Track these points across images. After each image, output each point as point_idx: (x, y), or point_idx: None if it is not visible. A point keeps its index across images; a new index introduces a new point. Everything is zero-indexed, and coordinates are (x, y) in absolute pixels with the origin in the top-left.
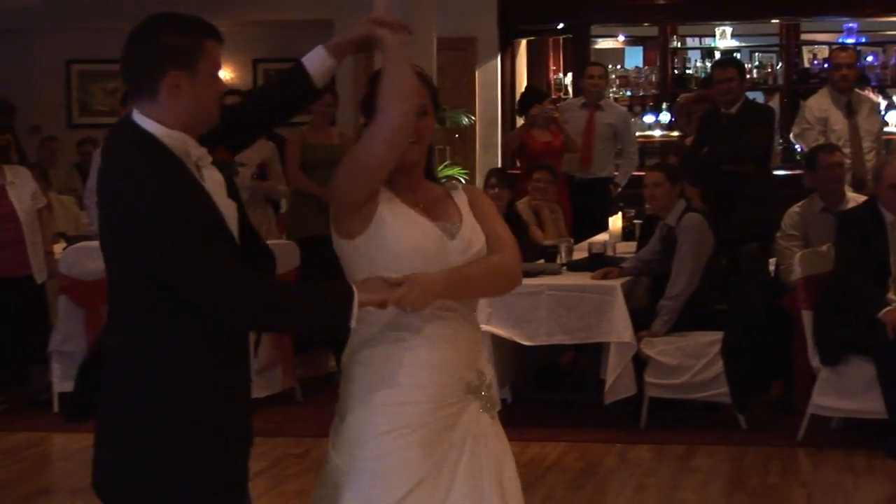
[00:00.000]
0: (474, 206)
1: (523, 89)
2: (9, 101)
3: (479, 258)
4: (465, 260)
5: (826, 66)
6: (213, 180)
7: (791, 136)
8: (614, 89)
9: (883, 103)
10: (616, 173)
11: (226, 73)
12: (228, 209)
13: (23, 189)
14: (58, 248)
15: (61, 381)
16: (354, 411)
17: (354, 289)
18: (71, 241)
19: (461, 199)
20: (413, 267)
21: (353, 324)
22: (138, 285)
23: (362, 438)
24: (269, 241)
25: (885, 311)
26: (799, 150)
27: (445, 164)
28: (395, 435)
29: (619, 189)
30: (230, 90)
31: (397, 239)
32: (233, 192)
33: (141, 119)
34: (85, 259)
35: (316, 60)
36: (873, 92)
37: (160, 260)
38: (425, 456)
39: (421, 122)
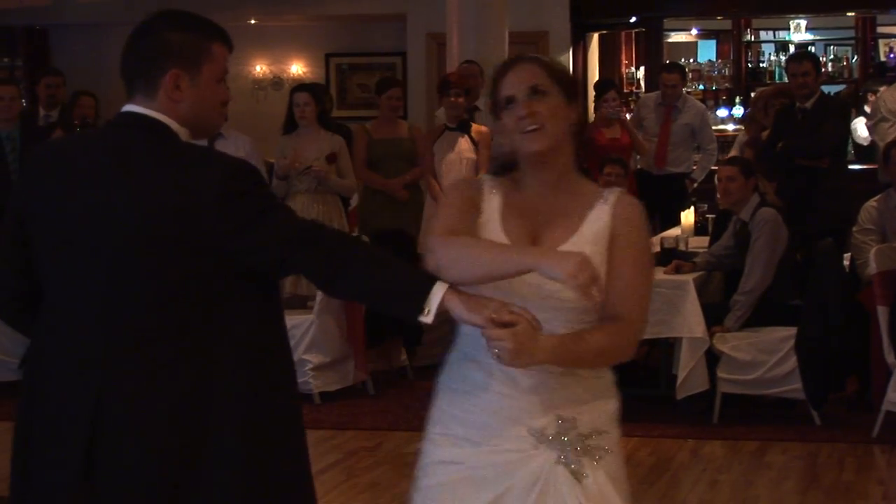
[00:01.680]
0: (616, 230)
1: (596, 82)
2: (91, 93)
3: (598, 329)
4: (534, 292)
5: None
6: None
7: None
8: (693, 84)
9: None
10: (694, 167)
11: (298, 68)
12: None
13: None
14: None
15: None
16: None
17: (438, 284)
18: None
19: (601, 212)
20: (473, 288)
21: (425, 318)
22: (192, 286)
23: (419, 463)
24: None
25: None
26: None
27: None
28: (440, 468)
29: (696, 184)
30: (299, 86)
31: None
32: None
33: (139, 109)
34: None
35: None
36: None
37: (236, 224)
38: (473, 496)
39: (533, 102)
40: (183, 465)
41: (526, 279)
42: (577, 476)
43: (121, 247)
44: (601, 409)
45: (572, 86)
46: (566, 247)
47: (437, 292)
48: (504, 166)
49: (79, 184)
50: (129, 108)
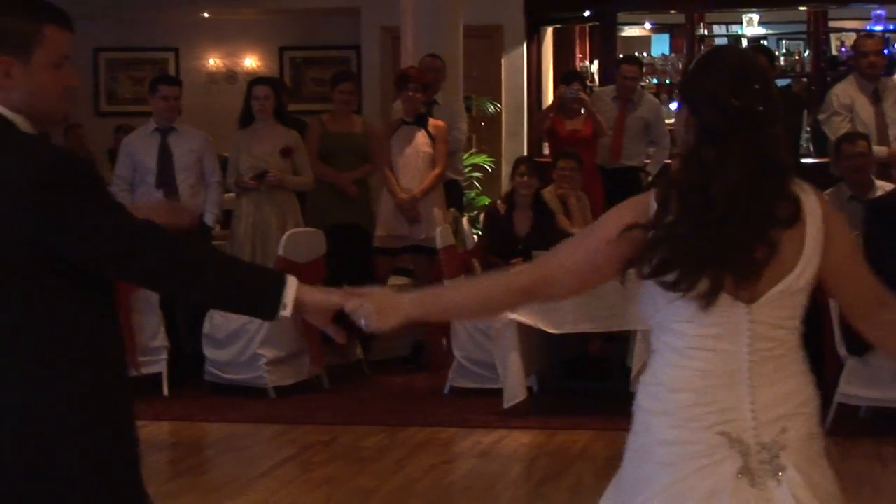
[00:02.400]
0: (829, 232)
1: (565, 73)
2: None
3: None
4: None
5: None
6: None
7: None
8: (646, 79)
9: None
10: (647, 161)
11: (252, 62)
12: None
13: None
14: None
15: None
16: None
17: (289, 278)
18: None
19: (813, 216)
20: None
21: (284, 313)
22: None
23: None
24: (294, 230)
25: None
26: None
27: (471, 152)
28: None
29: (650, 178)
30: (258, 79)
31: None
32: None
33: None
34: None
35: None
36: None
37: (58, 220)
38: None
39: None
40: None
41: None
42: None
43: None
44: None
45: None
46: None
47: (291, 286)
48: None
49: None
50: None
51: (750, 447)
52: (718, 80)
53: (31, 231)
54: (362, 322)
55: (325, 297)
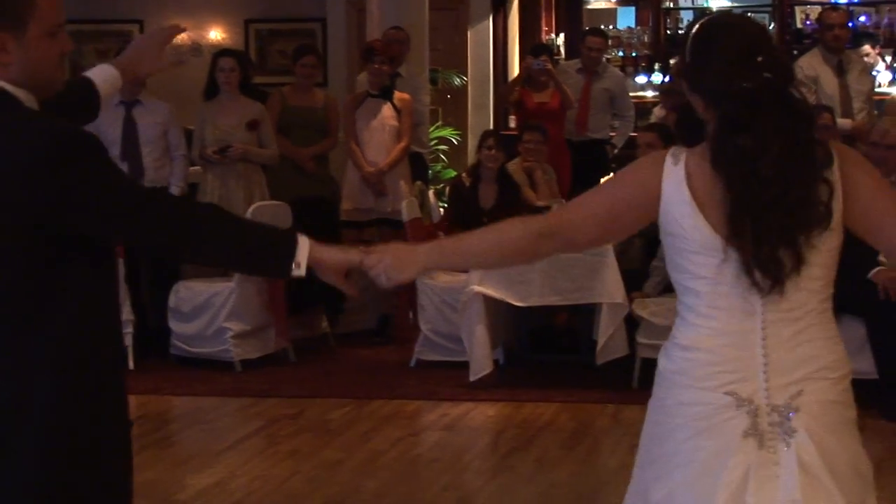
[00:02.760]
0: (847, 180)
1: (532, 46)
2: None
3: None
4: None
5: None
6: None
7: None
8: (613, 51)
9: (882, 64)
10: (613, 134)
11: (217, 34)
12: None
13: None
14: None
15: None
16: None
17: (301, 237)
18: None
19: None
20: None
21: (297, 272)
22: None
23: None
24: (260, 203)
25: (875, 271)
26: None
27: (437, 125)
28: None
29: (616, 150)
30: (223, 50)
31: None
32: None
33: None
34: None
35: (102, 74)
36: (875, 50)
37: (70, 194)
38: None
39: None
40: None
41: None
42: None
43: None
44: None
45: None
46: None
47: (304, 245)
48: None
49: None
50: None
51: (760, 408)
52: (724, 69)
53: (41, 206)
54: (381, 277)
55: (340, 255)
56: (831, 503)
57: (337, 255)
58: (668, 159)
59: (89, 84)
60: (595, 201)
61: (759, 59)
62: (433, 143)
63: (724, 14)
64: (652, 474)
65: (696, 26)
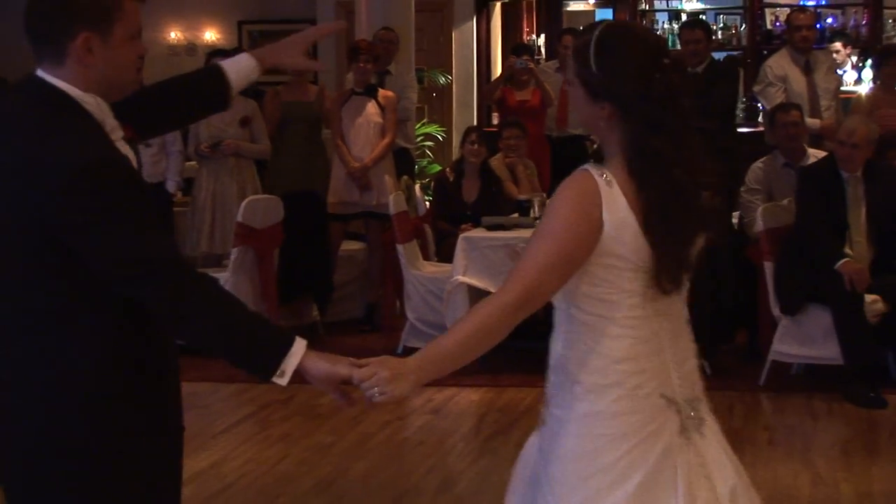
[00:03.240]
0: None
1: (513, 47)
2: None
3: (458, 321)
4: None
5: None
6: (127, 155)
7: (754, 92)
8: None
9: (849, 63)
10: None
11: (211, 35)
12: (147, 187)
13: None
14: None
15: None
16: None
17: (297, 344)
18: None
19: None
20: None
21: (279, 380)
22: (37, 252)
23: None
24: (253, 198)
25: (841, 262)
26: (761, 108)
27: (423, 122)
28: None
29: (595, 145)
30: (216, 50)
31: None
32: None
33: (47, 77)
34: None
35: (237, 65)
36: (846, 49)
37: (76, 225)
38: None
39: None
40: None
41: None
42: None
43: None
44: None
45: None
46: None
47: (296, 354)
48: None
49: None
50: (38, 73)
51: (681, 405)
52: (638, 72)
53: (55, 226)
54: (374, 392)
55: (331, 368)
56: (742, 483)
57: (326, 368)
58: (600, 183)
59: (220, 73)
60: (545, 251)
61: (666, 61)
62: (419, 139)
63: (617, 22)
64: (601, 484)
65: (595, 35)
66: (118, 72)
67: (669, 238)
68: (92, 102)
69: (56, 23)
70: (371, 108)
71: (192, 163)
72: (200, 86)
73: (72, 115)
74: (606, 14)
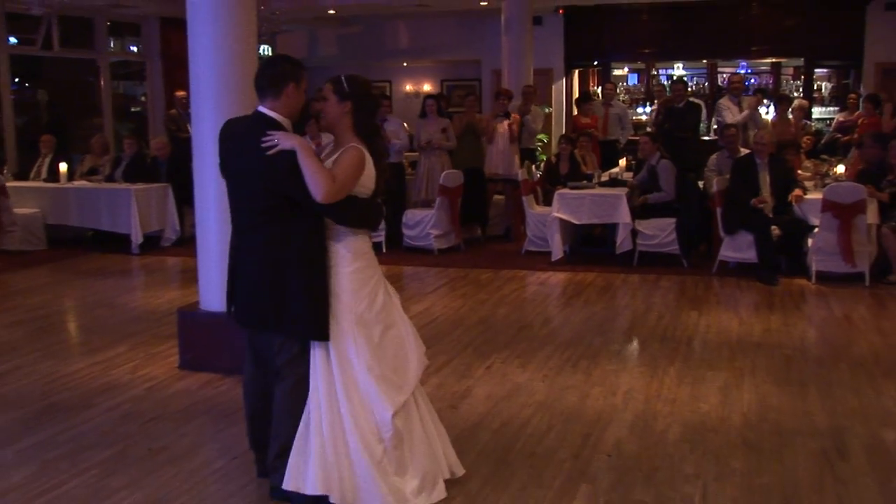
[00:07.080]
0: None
1: (581, 93)
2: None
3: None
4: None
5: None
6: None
7: (713, 118)
8: (623, 95)
9: (765, 103)
10: (619, 138)
11: (428, 87)
12: None
13: None
14: None
15: None
16: None
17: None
18: None
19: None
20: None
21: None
22: (280, 205)
23: None
24: (448, 171)
25: (753, 200)
26: (716, 125)
27: (540, 134)
28: None
29: (622, 145)
30: (430, 94)
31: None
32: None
33: (266, 111)
34: None
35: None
36: (763, 97)
37: (295, 187)
38: None
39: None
40: (271, 286)
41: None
42: None
43: (252, 185)
44: None
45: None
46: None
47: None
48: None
49: (233, 152)
50: (260, 108)
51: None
52: (377, 108)
53: (285, 186)
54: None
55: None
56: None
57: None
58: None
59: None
60: None
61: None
62: (538, 143)
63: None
64: (364, 299)
65: (349, 80)
66: (297, 106)
67: None
68: (286, 122)
69: (277, 79)
70: (505, 125)
71: (414, 153)
72: None
73: (277, 129)
74: (634, 76)
